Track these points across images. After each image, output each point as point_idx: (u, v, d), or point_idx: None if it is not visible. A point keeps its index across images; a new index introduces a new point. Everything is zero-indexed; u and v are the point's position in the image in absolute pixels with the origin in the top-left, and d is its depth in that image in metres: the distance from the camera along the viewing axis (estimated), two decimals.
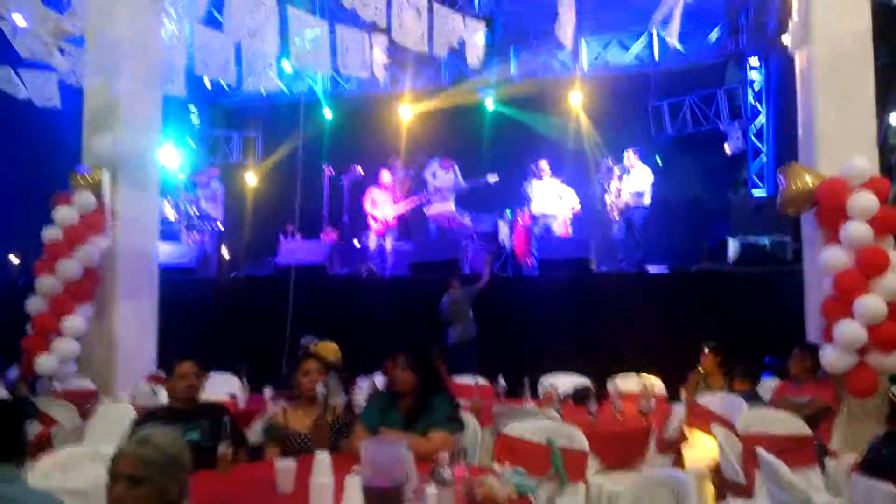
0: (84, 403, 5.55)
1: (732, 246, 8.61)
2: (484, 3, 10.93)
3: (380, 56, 6.12)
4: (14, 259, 9.50)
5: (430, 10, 5.67)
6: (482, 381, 5.93)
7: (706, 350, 6.03)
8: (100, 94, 6.72)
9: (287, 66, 9.79)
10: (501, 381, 5.65)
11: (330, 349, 5.69)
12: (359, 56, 5.85)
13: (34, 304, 6.32)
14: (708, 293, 8.07)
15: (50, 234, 6.44)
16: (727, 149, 11.23)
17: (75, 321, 6.39)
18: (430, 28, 5.68)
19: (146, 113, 7.04)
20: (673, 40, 7.36)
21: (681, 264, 9.15)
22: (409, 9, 5.25)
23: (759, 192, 11.12)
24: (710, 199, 10.87)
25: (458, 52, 6.80)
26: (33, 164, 9.88)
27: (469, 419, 4.45)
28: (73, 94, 7.28)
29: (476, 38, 6.22)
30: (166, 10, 5.23)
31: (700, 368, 6.00)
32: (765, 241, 8.53)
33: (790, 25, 5.73)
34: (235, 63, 6.28)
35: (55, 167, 7.21)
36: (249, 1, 5.09)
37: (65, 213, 6.43)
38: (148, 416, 3.91)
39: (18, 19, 5.28)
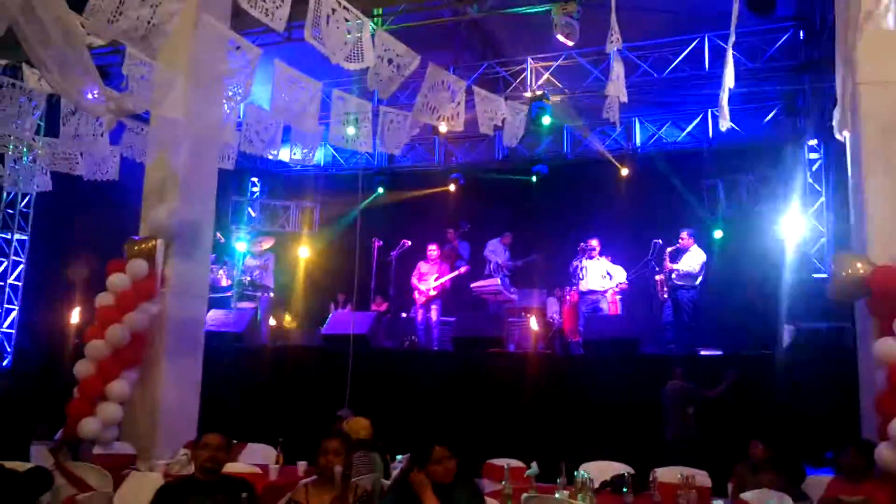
0: (123, 468, 5.62)
1: (787, 331, 8.31)
2: (536, 82, 11.14)
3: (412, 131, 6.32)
4: (74, 319, 9.84)
5: (471, 92, 5.85)
6: (515, 463, 5.76)
7: (755, 442, 5.78)
8: (160, 168, 7.06)
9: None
10: (534, 466, 5.47)
11: (361, 425, 5.63)
12: (398, 134, 6.04)
13: (82, 368, 6.49)
14: (761, 379, 7.75)
15: (103, 299, 6.67)
16: (784, 231, 10.95)
17: (120, 385, 6.52)
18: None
19: (202, 186, 7.33)
20: (725, 124, 7.29)
21: (733, 349, 8.85)
22: (443, 91, 5.42)
23: (819, 276, 10.75)
24: (766, 282, 10.56)
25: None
26: (101, 232, 10.33)
27: None
28: (136, 168, 7.66)
29: (517, 119, 6.34)
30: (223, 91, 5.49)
31: (749, 462, 5.75)
32: (822, 326, 8.20)
33: (836, 109, 5.64)
34: (284, 140, 6.54)
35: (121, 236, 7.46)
36: (294, 83, 5.35)
37: (118, 280, 6.66)
38: (169, 486, 3.93)
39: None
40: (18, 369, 10.44)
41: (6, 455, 5.01)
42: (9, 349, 11.61)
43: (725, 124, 6.37)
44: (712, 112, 12.14)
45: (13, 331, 11.78)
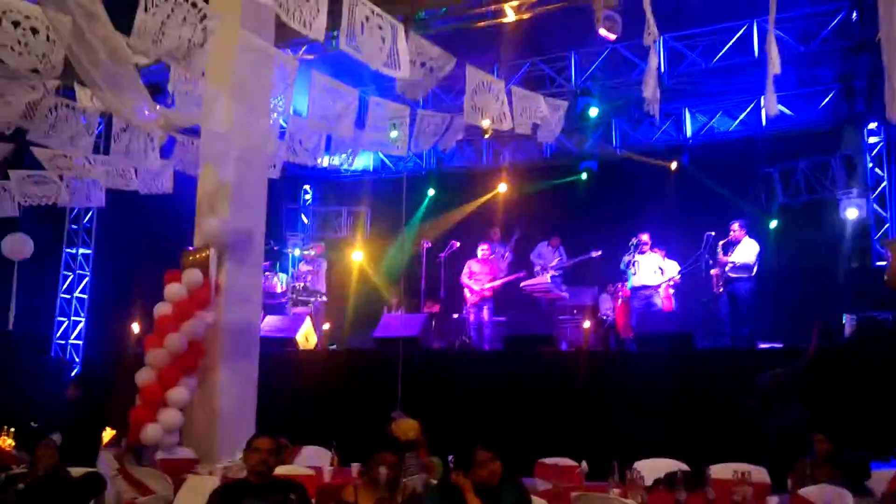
0: (184, 472, 5.80)
1: (849, 321, 8.04)
2: (580, 77, 11.06)
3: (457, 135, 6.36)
4: (136, 329, 10.18)
5: (509, 91, 5.86)
6: (566, 462, 5.73)
7: (818, 436, 5.64)
8: (210, 180, 7.25)
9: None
10: (584, 465, 5.43)
11: (410, 426, 5.69)
12: (431, 136, 6.09)
13: (143, 376, 6.72)
14: (822, 373, 7.50)
15: (161, 309, 6.90)
16: (845, 218, 10.60)
17: (180, 392, 6.73)
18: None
19: (252, 195, 7.49)
20: (772, 109, 7.09)
21: (792, 341, 8.60)
22: (486, 92, 5.43)
23: (882, 264, 10.35)
24: (826, 271, 10.24)
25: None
26: (159, 244, 10.68)
27: None
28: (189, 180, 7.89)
29: (555, 116, 6.30)
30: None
31: (811, 457, 5.61)
32: (886, 316, 7.91)
33: (886, 94, 5.42)
34: (326, 147, 6.66)
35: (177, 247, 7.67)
36: (331, 92, 5.44)
37: (174, 290, 6.88)
38: (223, 489, 4.05)
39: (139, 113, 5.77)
40: (87, 378, 10.86)
41: (77, 461, 5.24)
42: (77, 359, 12.11)
43: (773, 110, 6.18)
44: (765, 99, 11.83)
45: (81, 342, 12.28)
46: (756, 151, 11.43)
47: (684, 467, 5.68)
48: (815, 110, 11.57)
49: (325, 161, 6.89)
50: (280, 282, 11.46)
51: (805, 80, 11.09)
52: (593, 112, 10.58)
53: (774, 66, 5.23)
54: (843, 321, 8.20)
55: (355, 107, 5.60)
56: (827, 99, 11.52)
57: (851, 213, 10.58)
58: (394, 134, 6.48)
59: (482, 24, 9.55)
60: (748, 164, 11.24)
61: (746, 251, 9.24)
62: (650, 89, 5.54)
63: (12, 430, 7.27)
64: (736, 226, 9.39)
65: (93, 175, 7.45)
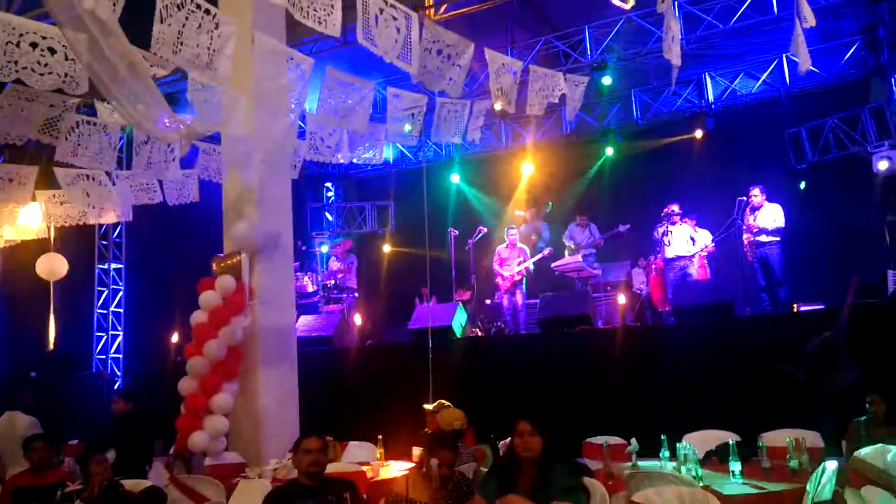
0: (234, 477, 5.85)
1: (892, 277, 7.86)
2: (596, 51, 10.90)
3: (478, 121, 6.27)
4: (175, 338, 10.27)
5: (526, 71, 5.76)
6: (614, 440, 5.68)
7: (874, 399, 5.55)
8: (235, 185, 7.26)
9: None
10: (634, 443, 5.37)
11: (454, 416, 5.67)
12: (453, 124, 6.02)
13: (186, 385, 6.76)
14: (867, 332, 7.34)
15: (197, 317, 6.93)
16: (878, 171, 10.35)
17: (224, 398, 6.76)
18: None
19: (277, 197, 7.49)
20: (804, 66, 6.87)
21: (833, 302, 8.43)
22: (507, 74, 5.35)
23: None
24: (862, 228, 10.03)
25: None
26: (190, 252, 10.75)
27: (596, 486, 4.27)
28: (214, 187, 7.91)
29: (576, 92, 6.20)
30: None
31: (866, 418, 5.52)
32: None
33: None
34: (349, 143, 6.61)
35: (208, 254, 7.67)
36: (346, 87, 5.39)
37: (209, 297, 6.90)
38: (277, 492, 4.06)
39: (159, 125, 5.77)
40: (132, 391, 10.99)
41: (131, 474, 5.29)
42: (118, 373, 12.27)
43: (806, 65, 6.01)
44: (787, 57, 11.59)
45: (120, 355, 12.44)
46: (782, 111, 11.24)
47: (735, 437, 5.60)
48: (840, 64, 11.32)
49: (353, 159, 6.84)
50: (311, 281, 11.50)
51: (827, 34, 10.83)
52: (606, 81, 10.45)
53: (808, 19, 5.07)
54: (887, 277, 8.00)
55: (370, 100, 5.54)
56: (851, 51, 11.26)
57: (883, 165, 10.33)
58: (407, 127, 6.42)
59: (493, 2, 9.46)
60: (774, 124, 11.03)
61: (770, 215, 9.12)
62: (675, 55, 5.40)
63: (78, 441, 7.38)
64: (756, 191, 9.26)
65: (114, 195, 7.47)
